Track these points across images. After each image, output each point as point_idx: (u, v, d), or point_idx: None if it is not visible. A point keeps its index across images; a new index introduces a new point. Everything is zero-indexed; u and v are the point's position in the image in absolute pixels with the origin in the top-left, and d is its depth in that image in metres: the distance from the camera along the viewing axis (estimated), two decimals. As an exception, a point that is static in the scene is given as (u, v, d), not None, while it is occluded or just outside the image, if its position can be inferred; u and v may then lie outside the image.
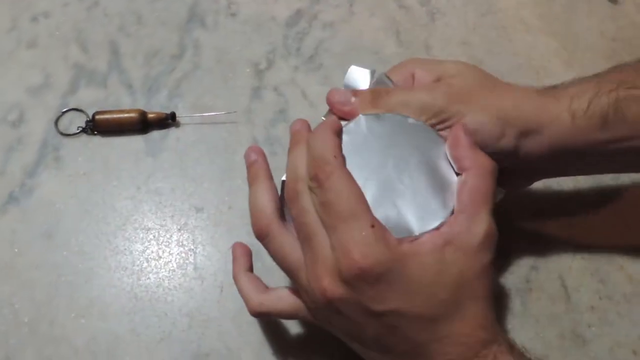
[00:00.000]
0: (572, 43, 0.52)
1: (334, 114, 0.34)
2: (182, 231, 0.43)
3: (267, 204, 0.32)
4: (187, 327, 0.39)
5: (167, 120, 0.46)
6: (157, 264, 0.42)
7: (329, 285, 0.29)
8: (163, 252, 0.42)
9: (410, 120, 0.33)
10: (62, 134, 0.46)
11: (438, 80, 0.35)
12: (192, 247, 0.42)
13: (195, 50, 0.50)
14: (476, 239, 0.29)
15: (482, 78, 0.35)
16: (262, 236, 0.32)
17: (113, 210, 0.43)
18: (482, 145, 0.32)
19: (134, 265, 0.41)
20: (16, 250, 0.41)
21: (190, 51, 0.50)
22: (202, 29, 0.51)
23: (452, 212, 0.30)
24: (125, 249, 0.42)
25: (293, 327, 0.39)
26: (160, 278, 0.41)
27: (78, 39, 0.50)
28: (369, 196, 0.30)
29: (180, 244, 0.42)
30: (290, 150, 0.33)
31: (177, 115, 0.46)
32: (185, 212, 0.43)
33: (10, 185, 0.44)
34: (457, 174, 0.31)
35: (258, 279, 0.35)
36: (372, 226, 0.28)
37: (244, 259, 0.36)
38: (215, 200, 0.44)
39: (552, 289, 0.41)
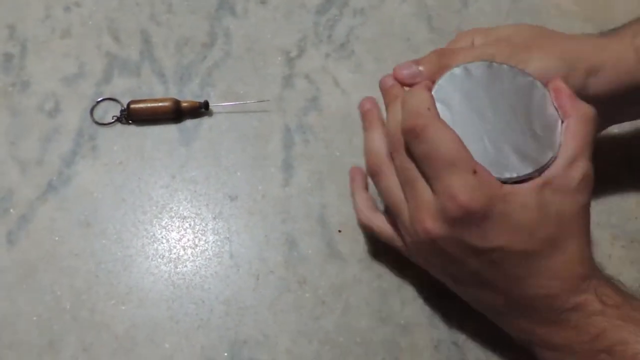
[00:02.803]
0: (608, 28, 0.51)
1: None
2: (217, 220, 0.43)
3: (380, 146, 0.36)
4: (224, 314, 0.40)
5: (200, 109, 0.46)
6: (194, 252, 0.42)
7: (433, 226, 0.31)
8: (199, 240, 0.43)
9: (501, 66, 0.34)
10: (97, 123, 0.46)
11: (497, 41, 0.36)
12: (227, 235, 0.43)
13: (225, 39, 0.50)
14: (573, 181, 0.31)
15: (540, 30, 0.37)
16: (374, 174, 0.36)
17: (149, 198, 0.44)
18: None
19: (170, 254, 0.42)
20: (56, 238, 0.42)
21: (220, 39, 0.50)
22: (232, 17, 0.51)
23: (556, 155, 0.32)
24: (162, 237, 0.43)
25: (328, 315, 0.40)
26: (197, 266, 0.42)
27: (110, 28, 0.50)
28: (473, 141, 0.31)
29: (216, 232, 0.43)
30: (388, 107, 0.35)
31: (209, 104, 0.46)
32: (219, 201, 0.44)
33: (49, 174, 0.44)
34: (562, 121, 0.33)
35: (372, 200, 0.40)
36: (475, 172, 0.30)
37: (361, 179, 0.41)
38: (249, 189, 0.44)
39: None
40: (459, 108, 0.33)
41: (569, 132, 0.32)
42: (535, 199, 0.31)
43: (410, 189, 0.33)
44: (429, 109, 0.32)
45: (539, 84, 0.34)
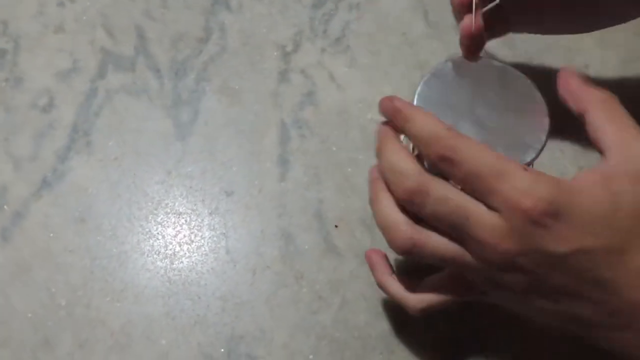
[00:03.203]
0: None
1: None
2: (213, 215, 0.43)
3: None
4: (221, 310, 0.40)
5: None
6: (190, 248, 0.42)
7: (506, 246, 0.28)
8: (195, 236, 0.42)
9: (492, 63, 0.34)
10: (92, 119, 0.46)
11: None
12: (223, 231, 0.42)
13: (221, 34, 0.50)
14: (638, 163, 0.28)
15: None
16: (407, 252, 0.31)
17: (144, 194, 0.43)
18: None
19: (166, 250, 0.42)
20: (51, 235, 0.42)
21: (216, 34, 0.50)
22: (228, 12, 0.51)
23: (541, 149, 0.31)
24: (158, 233, 0.42)
25: (325, 310, 0.40)
26: (193, 262, 0.41)
27: (104, 23, 0.50)
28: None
29: (212, 228, 0.43)
30: (381, 154, 0.32)
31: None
32: (215, 196, 0.44)
33: (43, 170, 0.44)
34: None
35: (405, 278, 0.35)
36: (525, 169, 0.28)
37: (383, 263, 0.36)
38: (245, 184, 0.44)
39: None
40: (447, 102, 0.33)
41: (598, 123, 0.30)
42: (602, 191, 0.28)
43: (463, 224, 0.29)
44: (448, 129, 0.29)
45: (529, 81, 0.33)
